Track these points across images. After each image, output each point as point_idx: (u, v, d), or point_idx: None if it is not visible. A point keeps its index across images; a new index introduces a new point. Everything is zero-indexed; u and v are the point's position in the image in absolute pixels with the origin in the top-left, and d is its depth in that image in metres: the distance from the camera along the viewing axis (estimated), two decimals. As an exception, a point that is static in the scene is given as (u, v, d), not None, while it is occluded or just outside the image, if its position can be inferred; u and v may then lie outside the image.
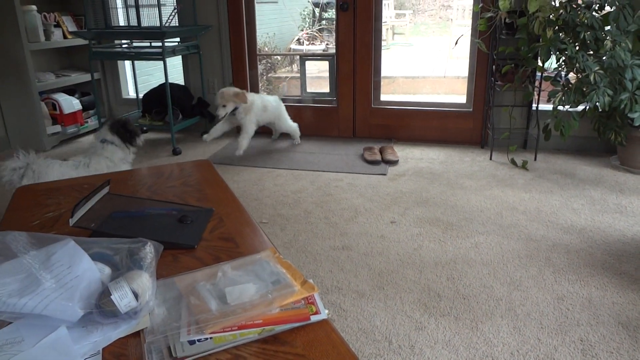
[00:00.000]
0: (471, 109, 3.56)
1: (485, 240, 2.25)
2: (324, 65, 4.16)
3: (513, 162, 3.21)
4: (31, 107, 3.65)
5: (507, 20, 3.07)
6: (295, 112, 3.87)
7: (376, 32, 3.55)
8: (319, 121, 3.84)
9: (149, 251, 1.14)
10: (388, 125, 3.71)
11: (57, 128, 3.86)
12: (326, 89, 3.98)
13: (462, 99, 3.68)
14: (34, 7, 3.60)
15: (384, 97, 3.77)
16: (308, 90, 4.04)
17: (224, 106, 3.25)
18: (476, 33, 3.34)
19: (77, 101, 3.99)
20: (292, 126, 3.60)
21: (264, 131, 3.95)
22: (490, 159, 3.32)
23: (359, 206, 2.62)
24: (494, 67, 3.27)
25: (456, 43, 3.31)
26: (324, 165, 3.24)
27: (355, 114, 3.75)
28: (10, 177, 2.35)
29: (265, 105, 3.44)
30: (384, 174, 3.07)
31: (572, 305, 1.77)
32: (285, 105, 3.65)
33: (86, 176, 1.90)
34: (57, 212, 1.56)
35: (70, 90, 4.08)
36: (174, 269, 1.20)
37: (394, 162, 3.25)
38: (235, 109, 3.28)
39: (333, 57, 3.77)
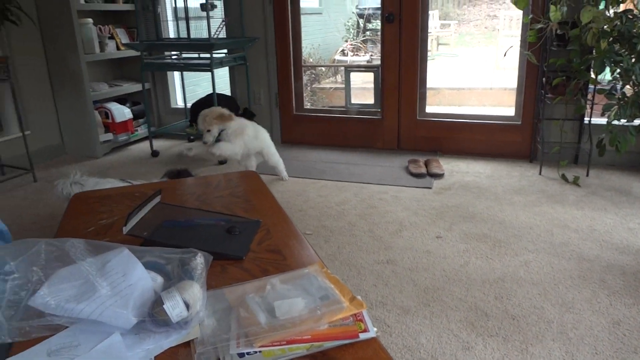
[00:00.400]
0: (520, 122, 3.47)
1: (535, 258, 2.18)
2: (369, 76, 4.15)
3: (564, 177, 3.11)
4: (85, 116, 3.79)
5: (558, 31, 2.99)
6: (339, 123, 3.87)
7: (422, 43, 3.53)
8: (363, 133, 3.84)
9: (199, 262, 1.15)
10: (433, 138, 3.67)
11: (109, 136, 4.00)
12: (371, 100, 3.98)
13: (510, 111, 3.60)
14: (90, 20, 3.76)
15: (429, 109, 3.73)
16: (353, 101, 4.04)
17: (209, 130, 2.97)
18: (525, 44, 3.26)
19: (129, 110, 4.12)
20: (279, 160, 3.26)
21: (308, 142, 3.98)
22: (540, 173, 3.23)
23: (404, 220, 2.59)
24: (544, 79, 3.18)
25: (505, 54, 3.25)
26: (368, 177, 3.23)
27: (400, 126, 3.72)
28: (65, 190, 2.41)
29: (257, 133, 3.14)
30: (430, 187, 3.03)
31: (629, 330, 1.69)
32: (329, 116, 3.66)
33: (137, 184, 1.96)
34: (111, 219, 1.60)
35: (121, 100, 4.22)
36: (222, 279, 1.22)
37: (439, 176, 3.21)
38: (222, 131, 3.00)
39: (378, 69, 3.76)
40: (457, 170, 3.33)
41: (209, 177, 1.97)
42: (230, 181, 1.89)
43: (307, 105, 4.08)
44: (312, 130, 3.98)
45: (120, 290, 1.04)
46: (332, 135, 3.93)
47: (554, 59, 3.05)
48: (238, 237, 1.41)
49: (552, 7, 2.85)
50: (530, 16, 3.16)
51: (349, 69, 4.07)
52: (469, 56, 8.00)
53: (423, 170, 3.23)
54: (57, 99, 3.87)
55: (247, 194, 1.76)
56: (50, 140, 3.90)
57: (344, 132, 3.89)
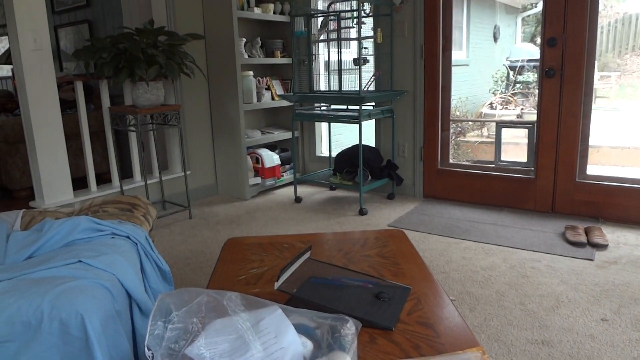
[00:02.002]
0: None
1: None
2: (520, 132, 3.92)
3: None
4: (239, 160, 4.06)
5: None
6: (486, 180, 3.68)
7: (585, 97, 3.25)
8: (512, 192, 3.59)
9: (350, 331, 1.11)
10: (594, 202, 3.31)
11: (258, 180, 4.22)
12: (522, 158, 3.73)
13: (692, 179, 3.13)
14: (251, 73, 4.06)
15: (590, 170, 3.39)
16: (502, 158, 3.82)
17: None
18: None
19: (277, 156, 4.33)
20: None
21: (452, 198, 3.82)
22: None
23: (561, 295, 2.32)
24: None
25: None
26: (518, 241, 2.98)
27: (556, 187, 3.42)
28: None
29: None
30: (591, 259, 2.70)
31: None
32: (475, 172, 3.49)
33: (286, 235, 1.99)
34: (261, 269, 1.64)
35: (271, 146, 4.46)
36: (371, 351, 1.16)
37: (602, 246, 2.86)
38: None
39: (533, 125, 3.53)
40: (624, 242, 2.94)
41: (356, 233, 1.94)
42: (378, 239, 1.85)
43: (452, 159, 3.95)
44: (457, 186, 3.83)
45: (272, 353, 1.03)
46: (477, 192, 3.74)
47: None
48: (387, 305, 1.34)
49: None
50: None
51: (501, 124, 3.88)
52: (632, 111, 7.25)
53: (583, 238, 2.91)
54: (216, 144, 4.20)
55: (396, 256, 1.69)
56: (206, 181, 4.23)
57: (491, 189, 3.68)
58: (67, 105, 4.46)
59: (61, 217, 1.74)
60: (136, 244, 1.48)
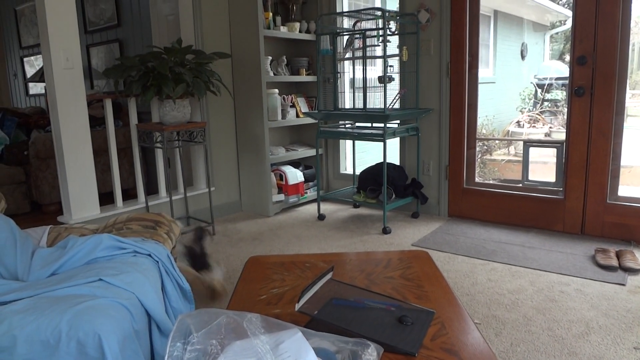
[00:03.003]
0: None
1: None
2: (549, 151, 3.85)
3: None
4: (263, 177, 4.07)
5: None
6: (513, 200, 3.61)
7: (617, 117, 3.17)
8: (540, 213, 3.51)
9: (371, 357, 1.08)
10: (626, 225, 3.21)
11: (281, 197, 4.23)
12: (550, 178, 3.65)
13: None
14: (276, 90, 4.09)
15: (622, 191, 3.29)
16: (530, 178, 3.75)
17: None
18: None
19: (301, 173, 4.33)
20: None
21: (477, 217, 3.76)
22: None
23: (591, 321, 2.24)
24: None
25: None
26: (546, 263, 2.90)
27: (586, 209, 3.33)
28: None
29: None
30: (623, 284, 2.61)
31: None
32: (502, 192, 3.42)
33: (308, 254, 1.98)
34: (282, 289, 1.62)
35: (295, 163, 4.47)
36: (394, 379, 1.13)
37: (635, 271, 2.76)
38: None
39: (562, 145, 3.46)
40: (659, 267, 2.84)
41: (379, 254, 1.92)
42: (402, 261, 1.82)
43: (478, 177, 3.89)
44: (482, 205, 3.76)
45: (291, 377, 1.01)
46: (504, 212, 3.67)
47: None
48: (410, 329, 1.31)
49: None
50: None
51: (529, 143, 3.81)
52: (665, 130, 7.06)
53: (614, 262, 2.81)
54: (240, 160, 4.23)
55: (420, 278, 1.66)
56: (230, 197, 4.25)
57: (517, 210, 3.60)
58: (96, 122, 4.56)
59: (86, 233, 1.77)
60: (157, 262, 1.48)
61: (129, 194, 4.85)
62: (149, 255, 1.48)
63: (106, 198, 3.86)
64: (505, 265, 2.92)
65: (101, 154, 4.51)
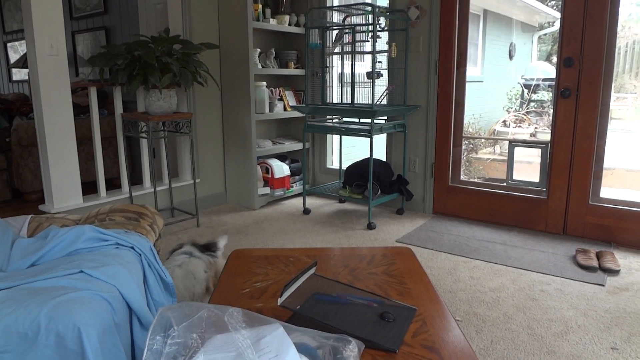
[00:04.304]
0: None
1: None
2: (533, 151, 3.88)
3: None
4: (249, 170, 4.05)
5: None
6: (497, 199, 3.64)
7: (601, 119, 3.21)
8: (523, 212, 3.55)
9: (352, 352, 1.08)
10: (607, 226, 3.25)
11: (267, 190, 4.21)
12: (534, 178, 3.69)
13: None
14: (264, 83, 4.07)
15: (604, 192, 3.34)
16: (514, 177, 3.78)
17: None
18: None
19: (287, 167, 4.32)
20: None
21: (461, 215, 3.78)
22: None
23: (570, 320, 2.27)
24: None
25: None
26: (527, 262, 2.94)
27: (568, 209, 3.37)
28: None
29: None
30: (602, 285, 2.65)
31: None
32: (486, 190, 3.44)
33: (292, 248, 1.97)
34: (265, 283, 1.62)
35: (281, 157, 4.45)
36: (374, 376, 1.13)
37: (614, 272, 2.80)
38: None
39: (547, 145, 3.49)
40: (637, 268, 2.88)
41: (363, 250, 1.92)
42: (385, 257, 1.82)
43: (463, 175, 3.92)
44: (467, 204, 3.79)
45: (272, 372, 1.00)
46: (488, 210, 3.70)
47: None
48: (391, 325, 1.31)
49: None
50: None
51: (514, 143, 3.84)
52: (648, 133, 7.16)
53: (594, 263, 2.85)
54: (226, 152, 4.20)
55: (403, 274, 1.67)
56: (215, 189, 4.22)
57: (501, 208, 3.63)
58: (81, 110, 4.50)
59: (68, 223, 1.74)
60: (140, 254, 1.47)
61: (113, 184, 4.80)
62: (132, 247, 1.46)
63: (90, 187, 3.82)
64: (487, 263, 2.94)
65: (85, 143, 4.45)
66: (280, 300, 1.33)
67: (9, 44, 6.76)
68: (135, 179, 4.56)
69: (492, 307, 2.40)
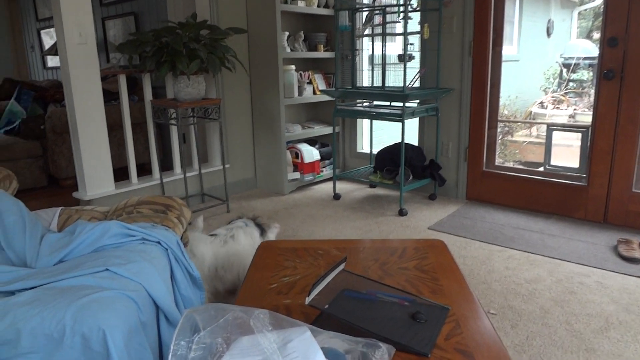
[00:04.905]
0: None
1: None
2: (572, 135, 3.73)
3: None
4: (278, 155, 4.02)
5: None
6: (533, 184, 3.51)
7: (647, 103, 3.04)
8: (561, 198, 3.42)
9: (382, 359, 1.04)
10: (651, 214, 3.11)
11: (297, 175, 4.18)
12: (574, 163, 3.54)
13: None
14: (293, 67, 4.01)
15: (648, 179, 3.19)
16: (552, 162, 3.64)
17: None
18: None
19: (317, 152, 4.27)
20: None
21: (496, 201, 3.68)
22: None
23: (611, 316, 2.18)
24: None
25: None
26: (565, 252, 2.83)
27: (610, 196, 3.23)
28: None
29: None
30: (645, 276, 2.53)
31: None
32: (522, 176, 3.32)
33: (321, 240, 1.94)
34: (293, 277, 1.59)
35: (311, 141, 4.40)
36: (405, 382, 1.09)
37: (658, 263, 2.68)
38: None
39: (587, 130, 3.34)
40: (684, 259, 2.75)
41: (394, 242, 1.87)
42: (418, 251, 1.77)
43: (498, 159, 3.79)
44: (502, 189, 3.67)
45: (298, 379, 0.97)
46: (524, 197, 3.58)
47: None
48: (423, 327, 1.26)
49: None
50: None
51: (552, 127, 3.69)
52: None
53: (637, 254, 2.73)
54: (256, 137, 4.18)
55: (435, 270, 1.61)
56: (245, 175, 4.22)
57: (538, 195, 3.51)
58: (112, 97, 4.53)
59: (97, 216, 1.74)
60: (167, 249, 1.45)
61: (145, 169, 4.84)
62: (158, 242, 1.45)
63: (123, 172, 3.85)
64: (523, 252, 2.85)
65: (117, 129, 4.49)
66: (308, 300, 1.29)
67: (43, 31, 6.86)
68: (166, 165, 4.58)
69: (528, 300, 2.32)
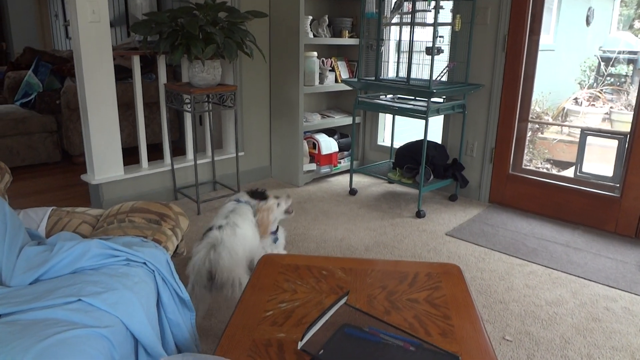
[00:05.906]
0: None
1: None
2: (608, 141, 3.48)
3: None
4: (294, 144, 3.88)
5: None
6: (561, 192, 3.30)
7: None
8: (591, 209, 3.21)
9: None
10: (688, 232, 2.89)
11: (313, 166, 4.04)
12: (607, 172, 3.32)
13: None
14: (315, 53, 3.82)
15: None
16: (584, 169, 3.42)
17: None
18: None
19: (335, 143, 4.11)
20: None
21: (520, 207, 3.49)
22: None
23: (638, 351, 2.01)
24: None
25: None
26: (592, 270, 2.65)
27: (644, 210, 3.01)
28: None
29: None
30: (678, 305, 2.34)
31: None
32: (550, 182, 3.12)
33: (326, 258, 1.80)
34: (291, 304, 1.46)
35: (330, 131, 4.24)
36: None
37: (694, 290, 2.48)
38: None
39: (625, 137, 3.11)
40: None
41: (406, 265, 1.72)
42: (430, 277, 1.62)
43: (526, 157, 3.58)
44: (528, 195, 3.47)
45: None
46: (550, 204, 3.38)
47: None
48: (428, 383, 1.13)
49: None
50: None
51: (586, 131, 3.45)
52: None
53: (671, 277, 2.53)
54: (273, 126, 4.03)
55: (448, 304, 1.46)
56: (259, 163, 4.09)
57: (566, 203, 3.30)
58: (129, 74, 4.42)
59: (88, 220, 1.63)
60: (153, 271, 1.34)
61: (160, 149, 4.75)
62: (144, 263, 1.33)
63: (136, 153, 3.75)
64: (545, 268, 2.68)
65: (132, 107, 4.39)
66: (300, 344, 1.17)
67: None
68: (181, 145, 4.48)
69: (548, 325, 2.16)
